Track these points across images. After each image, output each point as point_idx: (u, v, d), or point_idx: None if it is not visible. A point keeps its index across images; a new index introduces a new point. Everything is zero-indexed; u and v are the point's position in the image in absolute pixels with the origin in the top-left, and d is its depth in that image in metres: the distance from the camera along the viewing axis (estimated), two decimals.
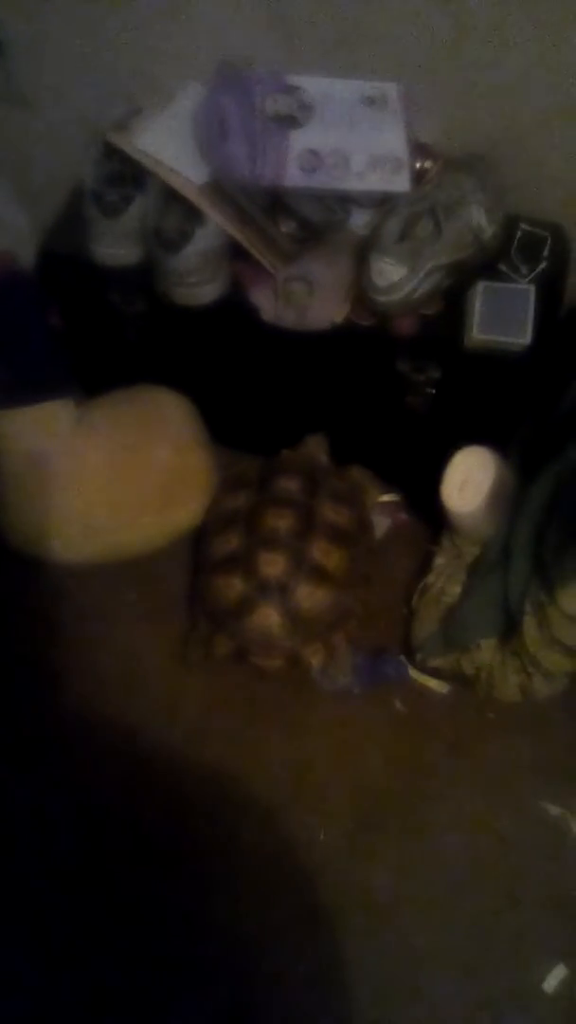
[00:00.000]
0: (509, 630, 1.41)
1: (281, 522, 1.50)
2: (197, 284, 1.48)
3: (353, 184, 1.42)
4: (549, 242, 1.47)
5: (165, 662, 1.62)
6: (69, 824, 1.51)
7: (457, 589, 1.50)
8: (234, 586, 1.48)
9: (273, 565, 1.47)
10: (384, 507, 1.69)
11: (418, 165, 1.46)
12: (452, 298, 1.45)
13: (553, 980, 1.35)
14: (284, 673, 1.53)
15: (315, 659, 1.51)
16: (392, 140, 1.44)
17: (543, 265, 1.46)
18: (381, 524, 1.68)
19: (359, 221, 1.48)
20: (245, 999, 1.37)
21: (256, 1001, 1.37)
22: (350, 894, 1.43)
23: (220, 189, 1.42)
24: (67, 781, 1.54)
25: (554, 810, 1.47)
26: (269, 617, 1.47)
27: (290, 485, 1.55)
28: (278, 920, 1.42)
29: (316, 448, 1.68)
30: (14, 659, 1.65)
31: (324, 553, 1.49)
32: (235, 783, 1.52)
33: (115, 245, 1.50)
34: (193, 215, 1.44)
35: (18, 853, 1.49)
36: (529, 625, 1.38)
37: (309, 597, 1.47)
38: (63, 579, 1.67)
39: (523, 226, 1.48)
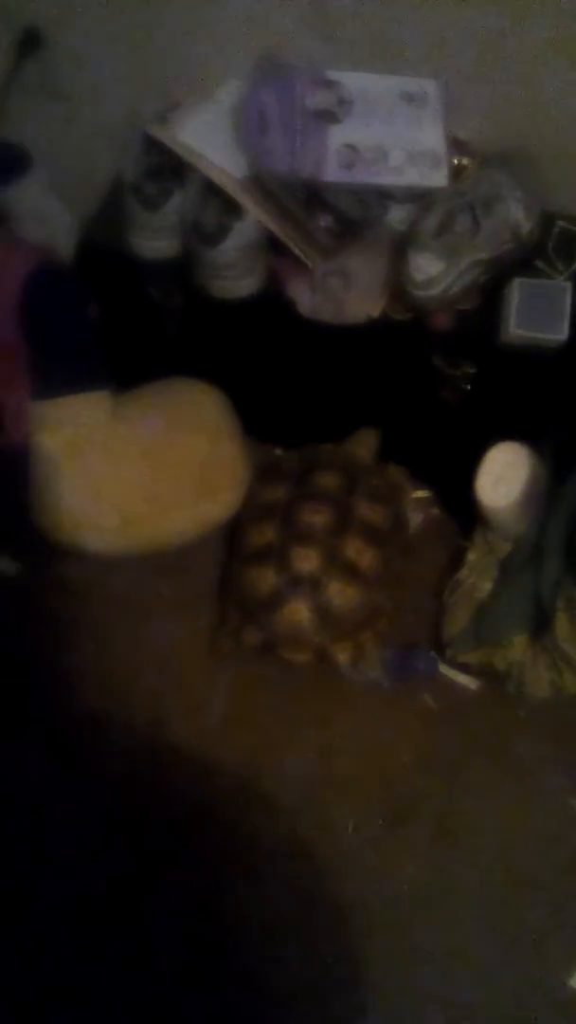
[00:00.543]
0: (541, 626, 1.41)
1: (317, 518, 1.50)
2: (235, 277, 1.49)
3: (391, 179, 1.44)
4: None
5: (196, 654, 1.63)
6: (96, 813, 1.52)
7: (489, 585, 1.50)
8: (267, 578, 1.49)
9: (307, 560, 1.47)
10: (416, 503, 1.69)
11: (456, 161, 1.47)
12: (489, 294, 1.46)
13: None
14: (311, 667, 1.53)
15: (343, 656, 1.52)
16: (430, 136, 1.45)
17: None
18: (413, 520, 1.68)
19: (396, 216, 1.49)
20: (269, 991, 1.38)
21: (280, 993, 1.37)
22: (377, 888, 1.43)
23: (259, 183, 1.43)
24: (95, 770, 1.55)
25: None
26: (299, 612, 1.47)
27: (329, 481, 1.55)
28: (305, 913, 1.42)
29: (364, 443, 1.68)
30: (46, 648, 1.66)
31: (358, 552, 1.49)
32: (263, 775, 1.52)
33: (154, 238, 1.52)
34: (232, 209, 1.45)
35: (42, 840, 1.50)
36: (561, 621, 1.38)
37: (340, 594, 1.48)
38: (97, 569, 1.67)
39: (560, 223, 1.48)
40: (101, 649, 1.66)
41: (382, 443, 1.68)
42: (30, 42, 1.57)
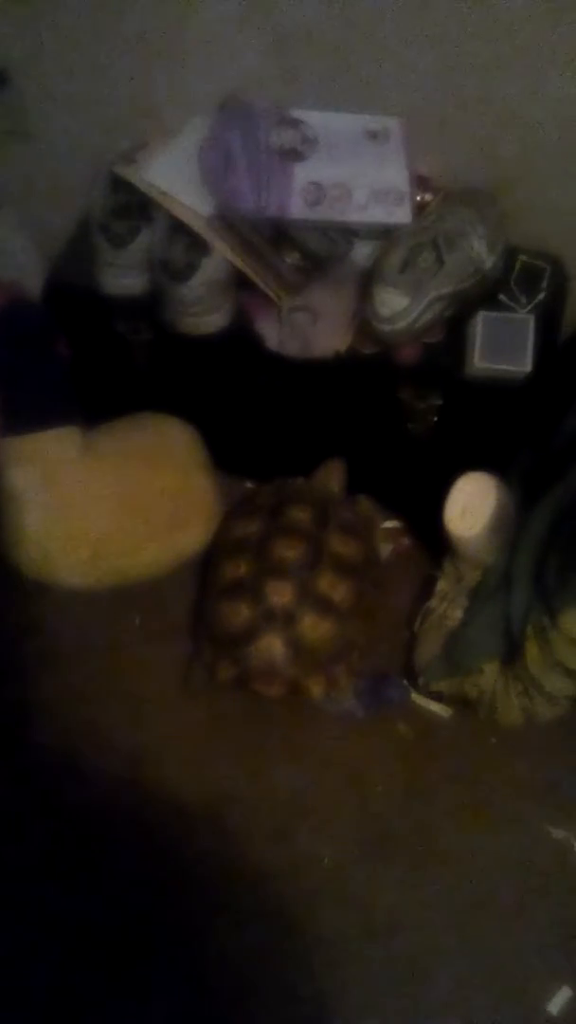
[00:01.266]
0: (511, 653, 1.42)
1: (290, 552, 1.51)
2: (203, 313, 1.51)
3: (356, 216, 1.45)
4: (548, 273, 1.50)
5: (169, 686, 1.63)
6: (71, 847, 1.51)
7: (459, 613, 1.51)
8: (240, 612, 1.49)
9: (280, 594, 1.48)
10: (386, 533, 1.71)
11: (419, 198, 1.49)
12: (453, 327, 1.48)
13: (558, 1003, 1.35)
14: (285, 700, 1.54)
15: (316, 689, 1.53)
16: (394, 173, 1.47)
17: (542, 295, 1.49)
18: (383, 550, 1.70)
19: (361, 252, 1.51)
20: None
21: None
22: (354, 918, 1.43)
23: (225, 221, 1.45)
24: (68, 804, 1.55)
25: (558, 833, 1.47)
26: (273, 645, 1.48)
27: (301, 515, 1.56)
28: (281, 945, 1.42)
29: (332, 475, 1.70)
30: (17, 683, 1.66)
31: (331, 585, 1.51)
32: (238, 807, 1.53)
33: (122, 275, 1.53)
34: (199, 246, 1.46)
35: (16, 874, 1.50)
36: (531, 648, 1.39)
37: (314, 628, 1.49)
38: (69, 603, 1.68)
39: (522, 257, 1.51)
40: (74, 683, 1.65)
41: (352, 475, 1.69)
42: None
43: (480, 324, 1.46)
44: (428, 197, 1.50)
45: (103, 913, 1.46)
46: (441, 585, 1.55)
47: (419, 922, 1.42)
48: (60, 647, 1.69)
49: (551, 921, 1.41)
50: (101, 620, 1.70)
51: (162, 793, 1.55)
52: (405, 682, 1.59)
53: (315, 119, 1.46)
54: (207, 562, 1.65)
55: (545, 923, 1.41)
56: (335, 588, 1.50)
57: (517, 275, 1.49)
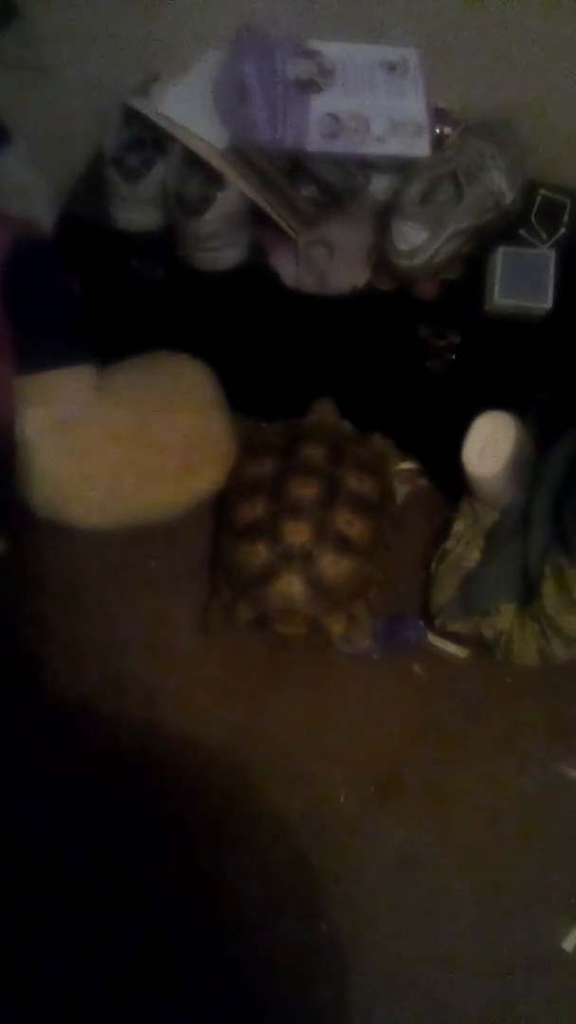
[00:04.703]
0: (528, 594, 1.41)
1: (306, 491, 1.50)
2: (218, 249, 1.49)
3: (373, 149, 1.43)
4: (569, 208, 1.47)
5: (185, 627, 1.63)
6: (90, 790, 1.53)
7: (476, 554, 1.51)
8: (258, 553, 1.49)
9: (298, 534, 1.47)
10: (402, 474, 1.70)
11: (438, 131, 1.46)
12: (473, 263, 1.46)
13: (573, 940, 1.37)
14: (302, 640, 1.54)
15: (336, 627, 1.52)
16: (412, 105, 1.44)
17: (563, 231, 1.47)
18: (400, 491, 1.69)
19: (379, 186, 1.48)
20: (266, 963, 1.39)
21: (279, 960, 1.39)
22: (370, 856, 1.44)
23: (241, 154, 1.42)
24: (86, 744, 1.56)
25: (572, 773, 1.48)
26: (292, 585, 1.48)
27: (315, 453, 1.55)
28: (299, 881, 1.43)
29: (328, 413, 1.69)
30: (36, 623, 1.66)
31: (348, 523, 1.50)
32: (255, 747, 1.53)
33: (136, 210, 1.51)
34: (214, 180, 1.44)
35: (37, 818, 1.51)
36: (548, 589, 1.38)
37: (332, 566, 1.48)
38: (85, 544, 1.67)
39: (543, 192, 1.48)
40: (91, 625, 1.66)
41: (367, 414, 1.67)
42: (4, 12, 1.55)
43: (500, 260, 1.43)
44: (447, 130, 1.47)
45: (118, 854, 1.47)
46: (458, 526, 1.54)
47: (434, 859, 1.44)
48: (76, 589, 1.69)
49: (564, 862, 1.42)
50: (117, 562, 1.70)
51: (178, 734, 1.56)
52: (421, 623, 1.58)
53: (332, 50, 1.43)
54: (221, 504, 1.64)
55: (559, 863, 1.42)
56: (352, 526, 1.50)
57: (537, 210, 1.47)
